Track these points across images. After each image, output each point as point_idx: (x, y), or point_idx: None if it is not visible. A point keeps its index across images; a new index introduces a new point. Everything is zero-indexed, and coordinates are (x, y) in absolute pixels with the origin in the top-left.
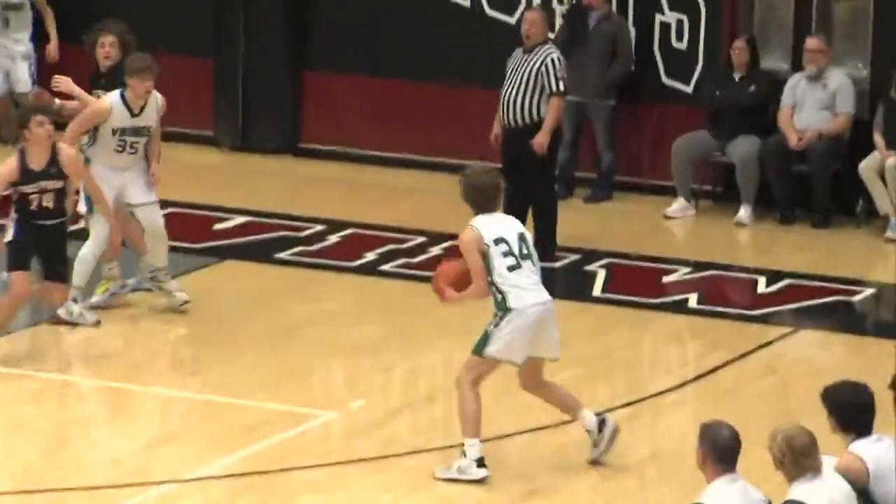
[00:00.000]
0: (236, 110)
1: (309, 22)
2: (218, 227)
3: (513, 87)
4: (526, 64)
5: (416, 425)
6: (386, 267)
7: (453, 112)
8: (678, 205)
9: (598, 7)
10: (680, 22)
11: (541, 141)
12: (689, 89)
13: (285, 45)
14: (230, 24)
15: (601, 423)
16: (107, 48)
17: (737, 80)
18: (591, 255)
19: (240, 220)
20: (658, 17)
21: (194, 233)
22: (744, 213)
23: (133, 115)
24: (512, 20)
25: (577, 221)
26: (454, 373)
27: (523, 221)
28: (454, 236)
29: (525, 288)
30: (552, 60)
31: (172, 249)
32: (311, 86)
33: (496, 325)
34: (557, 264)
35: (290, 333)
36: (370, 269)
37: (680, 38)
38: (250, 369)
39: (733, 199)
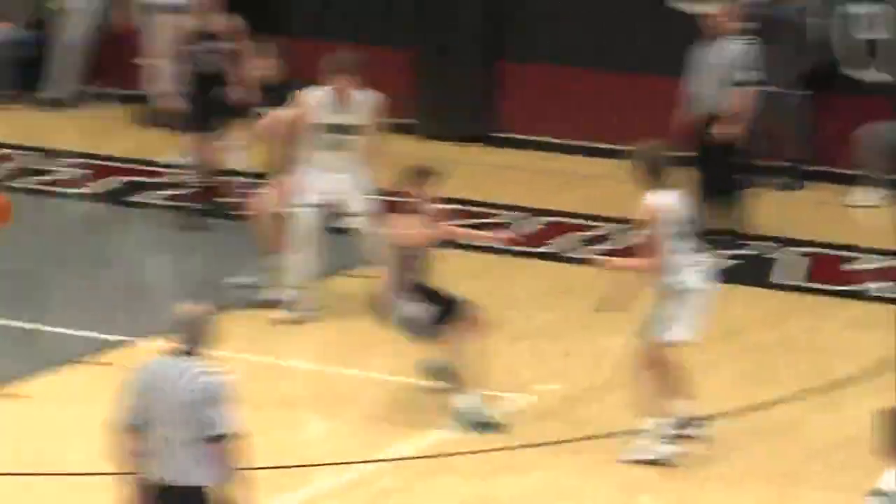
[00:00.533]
0: (434, 99)
1: (504, 13)
2: None
3: (701, 78)
4: (714, 55)
5: (605, 408)
6: (573, 253)
7: (641, 100)
8: (867, 193)
9: None
10: (871, 12)
11: (725, 129)
12: (880, 78)
13: (482, 35)
14: (430, 15)
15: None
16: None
17: None
18: (784, 243)
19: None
20: (851, 8)
21: None
22: None
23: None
24: (695, 11)
25: (769, 210)
26: (637, 356)
27: (711, 208)
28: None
29: (690, 268)
30: (741, 51)
31: None
32: (506, 75)
33: (668, 307)
34: (747, 251)
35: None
36: (557, 256)
37: (870, 28)
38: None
39: None
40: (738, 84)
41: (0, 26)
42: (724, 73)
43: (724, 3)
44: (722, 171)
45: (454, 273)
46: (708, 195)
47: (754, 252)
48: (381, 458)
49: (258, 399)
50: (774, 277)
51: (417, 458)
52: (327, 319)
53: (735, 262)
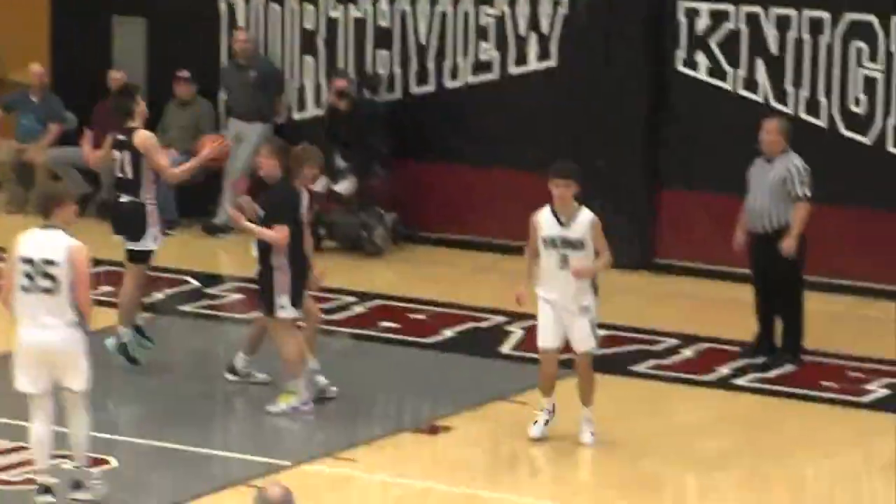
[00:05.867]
0: None
1: (662, 139)
2: None
3: (757, 196)
4: (769, 172)
5: None
6: (740, 381)
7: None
8: None
9: None
10: None
11: (789, 245)
12: None
13: (642, 161)
14: (586, 142)
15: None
16: None
17: None
18: None
19: (601, 333)
20: None
21: None
22: None
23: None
24: (867, 140)
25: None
26: (806, 488)
27: (772, 325)
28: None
29: None
30: (796, 167)
31: (534, 361)
32: (665, 202)
33: None
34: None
35: (646, 445)
36: (724, 383)
37: None
38: (607, 480)
39: None
40: (796, 199)
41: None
42: (780, 191)
43: (773, 121)
44: (781, 288)
45: None
46: (767, 313)
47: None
48: None
49: None
50: None
51: None
52: (484, 445)
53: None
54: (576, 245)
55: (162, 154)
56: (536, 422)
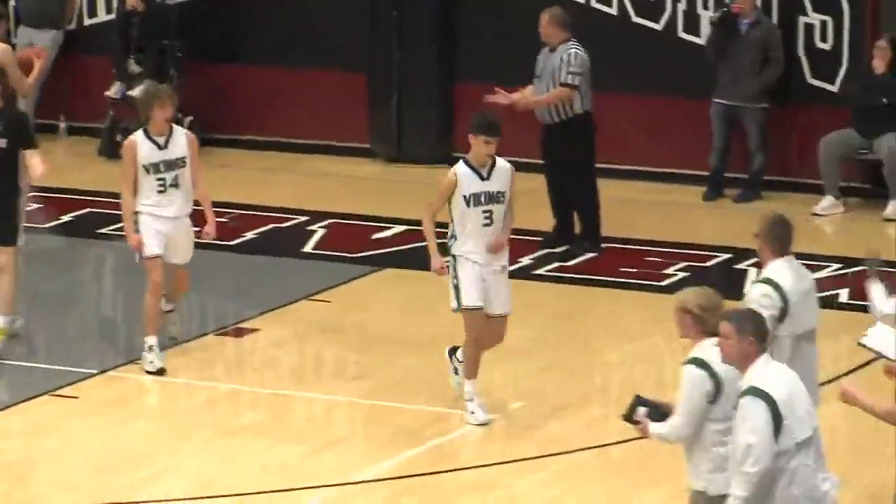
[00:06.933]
0: (391, 122)
1: (458, 33)
2: (376, 236)
3: (542, 86)
4: (550, 62)
5: (573, 426)
6: (540, 271)
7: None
8: (827, 202)
9: (747, 14)
10: (823, 23)
11: (522, 100)
12: (834, 89)
13: (437, 56)
14: (383, 38)
15: None
16: None
17: (881, 78)
18: (742, 255)
19: (398, 229)
20: (802, 19)
21: (353, 243)
22: (892, 208)
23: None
24: (657, 27)
25: (728, 221)
26: (608, 374)
27: (568, 216)
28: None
29: None
30: (568, 55)
31: (336, 259)
32: (462, 96)
33: None
34: (709, 263)
35: (447, 337)
36: (526, 274)
37: (824, 38)
38: (411, 374)
39: (881, 195)
40: (560, 84)
41: None
42: (558, 79)
43: (545, 13)
44: (572, 176)
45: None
46: (560, 202)
47: (719, 264)
48: (348, 481)
49: (223, 426)
50: (744, 288)
51: (384, 479)
52: (291, 345)
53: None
54: (497, 198)
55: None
56: (474, 412)
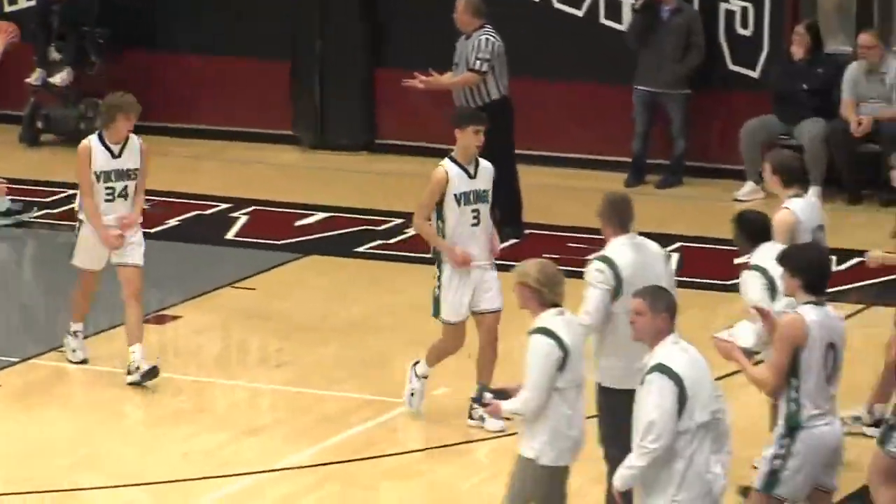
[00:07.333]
0: (314, 110)
1: (380, 21)
2: (299, 223)
3: (459, 73)
4: (465, 48)
5: None
6: None
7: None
8: (748, 188)
9: (669, 0)
10: (744, 9)
11: (431, 80)
12: (755, 75)
13: (359, 44)
14: (305, 26)
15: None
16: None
17: (801, 64)
18: (664, 239)
19: (321, 216)
20: (722, 6)
21: (277, 229)
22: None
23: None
24: (579, 13)
25: (650, 207)
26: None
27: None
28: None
29: None
30: (479, 41)
31: (259, 246)
32: (383, 83)
33: None
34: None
35: (372, 324)
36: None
37: (745, 24)
38: (334, 360)
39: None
40: (467, 69)
41: None
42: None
43: (460, 1)
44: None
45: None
46: None
47: None
48: (272, 468)
49: (146, 414)
50: None
51: (306, 467)
52: (214, 332)
53: None
54: (483, 197)
55: None
56: (413, 393)
